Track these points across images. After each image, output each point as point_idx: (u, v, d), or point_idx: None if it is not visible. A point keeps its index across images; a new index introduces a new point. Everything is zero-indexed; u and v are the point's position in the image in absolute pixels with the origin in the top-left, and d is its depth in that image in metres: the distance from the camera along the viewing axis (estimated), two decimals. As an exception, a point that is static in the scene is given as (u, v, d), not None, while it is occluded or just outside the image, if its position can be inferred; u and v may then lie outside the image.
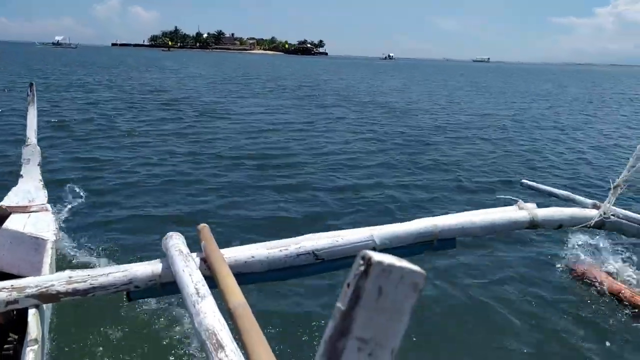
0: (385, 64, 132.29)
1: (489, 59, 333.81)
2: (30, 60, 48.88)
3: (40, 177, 4.91)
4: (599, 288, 4.42)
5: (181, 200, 6.56)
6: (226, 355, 1.79)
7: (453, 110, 20.09)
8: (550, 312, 4.25)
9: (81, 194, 5.48)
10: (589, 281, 4.53)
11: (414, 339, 3.58)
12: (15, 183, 4.71)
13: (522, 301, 4.38)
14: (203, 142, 10.89)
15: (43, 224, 4.07)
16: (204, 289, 2.25)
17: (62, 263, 3.99)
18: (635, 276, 4.56)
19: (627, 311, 4.12)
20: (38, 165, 5.01)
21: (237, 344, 1.89)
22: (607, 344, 3.80)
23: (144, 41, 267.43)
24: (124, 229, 5.22)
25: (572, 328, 4.02)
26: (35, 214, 4.31)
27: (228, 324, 2.02)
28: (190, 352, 3.11)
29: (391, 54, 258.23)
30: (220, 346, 1.85)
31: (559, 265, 4.86)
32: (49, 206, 4.46)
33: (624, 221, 3.17)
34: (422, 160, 10.08)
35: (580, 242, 4.93)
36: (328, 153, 10.46)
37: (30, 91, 5.42)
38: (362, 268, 0.86)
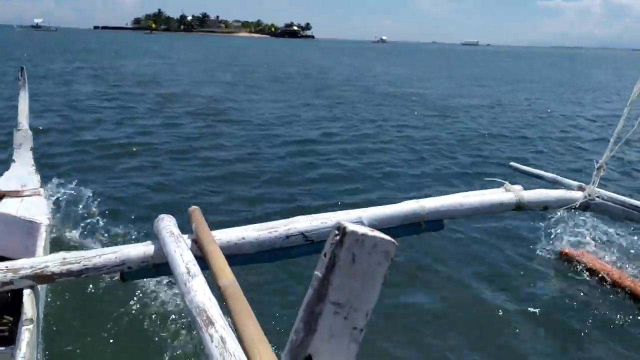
0: (379, 48, 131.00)
1: (477, 42, 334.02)
2: (6, 45, 45.57)
3: (33, 162, 4.92)
4: (586, 270, 4.51)
5: (174, 184, 6.61)
6: (216, 331, 1.84)
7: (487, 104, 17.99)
8: (537, 294, 4.33)
9: (74, 178, 5.50)
10: (577, 263, 4.61)
11: (397, 323, 3.66)
12: (7, 168, 4.72)
13: (510, 284, 4.46)
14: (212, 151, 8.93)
15: (36, 208, 4.10)
16: (195, 268, 2.30)
17: (56, 246, 4.02)
18: (622, 258, 4.64)
19: (614, 292, 4.21)
20: (30, 150, 5.03)
21: (228, 321, 1.95)
22: (594, 324, 3.88)
23: (127, 24, 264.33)
24: (117, 212, 5.26)
25: (559, 310, 4.11)
26: (29, 198, 4.33)
27: (219, 303, 2.07)
28: (183, 329, 3.18)
29: (383, 37, 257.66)
30: (210, 322, 1.90)
31: (547, 248, 4.94)
32: (42, 190, 4.48)
33: (608, 203, 3.23)
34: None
35: (568, 225, 5.01)
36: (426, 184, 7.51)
37: (22, 75, 5.41)
38: (338, 237, 0.92)
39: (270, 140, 10.10)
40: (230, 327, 1.90)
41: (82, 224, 4.61)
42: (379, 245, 0.94)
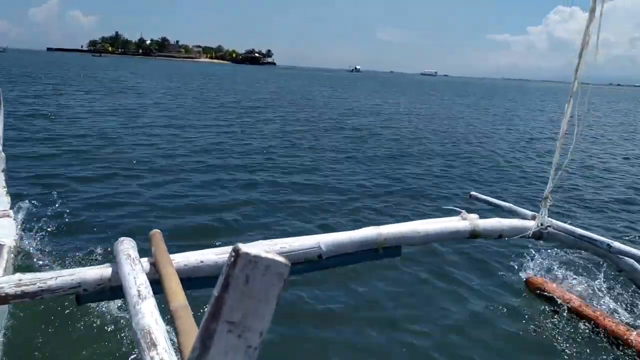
0: (357, 77, 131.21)
1: (436, 72, 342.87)
2: None
3: (4, 184, 4.93)
4: (550, 299, 4.57)
5: (141, 209, 6.63)
6: (157, 353, 1.87)
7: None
8: (503, 322, 4.37)
9: (43, 202, 5.51)
10: (543, 292, 4.68)
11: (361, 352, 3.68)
12: None
13: (474, 312, 4.50)
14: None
15: (4, 230, 4.10)
16: (146, 291, 2.32)
17: (20, 268, 4.01)
18: (587, 288, 4.72)
19: (576, 321, 4.27)
20: (2, 171, 5.04)
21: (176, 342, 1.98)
22: (555, 353, 3.93)
23: (82, 46, 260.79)
24: (87, 236, 5.25)
25: (524, 339, 4.15)
26: None
27: (171, 325, 2.10)
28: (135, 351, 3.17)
29: (357, 67, 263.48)
30: (153, 345, 1.92)
31: (512, 277, 5.01)
32: (11, 212, 4.48)
33: (559, 232, 3.33)
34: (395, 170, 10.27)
35: (534, 254, 5.09)
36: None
37: (-3, 98, 5.47)
38: (232, 259, 0.97)
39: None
40: (175, 349, 1.94)
41: (48, 246, 4.60)
42: (272, 267, 0.99)
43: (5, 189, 4.88)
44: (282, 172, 9.72)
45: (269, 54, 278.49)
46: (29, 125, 13.20)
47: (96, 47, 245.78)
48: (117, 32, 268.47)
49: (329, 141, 14.21)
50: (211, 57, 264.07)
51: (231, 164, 10.24)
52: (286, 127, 16.93)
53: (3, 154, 5.15)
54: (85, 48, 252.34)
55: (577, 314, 4.33)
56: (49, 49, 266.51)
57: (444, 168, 11.30)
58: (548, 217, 3.38)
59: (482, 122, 23.94)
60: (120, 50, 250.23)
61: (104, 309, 3.56)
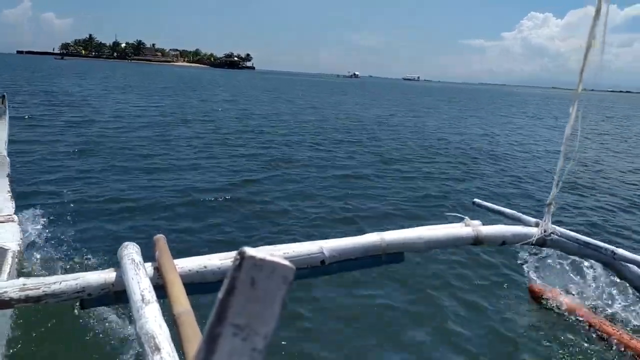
0: (366, 83, 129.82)
1: (418, 77, 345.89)
2: None
3: (9, 188, 4.95)
4: (556, 307, 4.56)
5: (145, 214, 6.64)
6: (161, 358, 1.87)
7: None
8: (507, 330, 4.36)
9: (48, 207, 5.53)
10: (547, 300, 4.66)
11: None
12: None
13: (479, 319, 4.49)
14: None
15: (8, 234, 4.12)
16: (150, 295, 2.33)
17: (25, 273, 4.02)
18: (592, 295, 4.70)
19: (581, 330, 4.25)
20: (7, 176, 5.07)
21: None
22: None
23: (53, 49, 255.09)
24: (92, 240, 5.26)
25: (528, 347, 4.14)
26: (2, 225, 4.35)
27: (174, 330, 2.10)
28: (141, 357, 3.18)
29: (356, 73, 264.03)
30: (157, 349, 1.93)
31: (515, 284, 5.00)
32: (15, 217, 4.50)
33: (563, 239, 3.33)
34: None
35: (538, 262, 5.07)
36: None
37: (2, 103, 5.49)
38: (238, 262, 0.98)
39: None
40: (180, 354, 1.94)
41: (52, 251, 4.61)
42: (277, 270, 0.99)
43: (10, 194, 4.91)
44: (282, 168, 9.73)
45: (248, 57, 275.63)
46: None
47: (69, 50, 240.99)
48: (90, 35, 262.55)
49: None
50: (189, 61, 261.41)
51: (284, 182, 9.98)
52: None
53: (8, 158, 5.17)
54: (57, 51, 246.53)
55: (579, 321, 4.32)
56: (18, 52, 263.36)
57: (447, 175, 11.30)
58: (552, 223, 3.38)
59: (481, 127, 23.92)
60: (93, 53, 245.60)
61: (107, 313, 3.56)
